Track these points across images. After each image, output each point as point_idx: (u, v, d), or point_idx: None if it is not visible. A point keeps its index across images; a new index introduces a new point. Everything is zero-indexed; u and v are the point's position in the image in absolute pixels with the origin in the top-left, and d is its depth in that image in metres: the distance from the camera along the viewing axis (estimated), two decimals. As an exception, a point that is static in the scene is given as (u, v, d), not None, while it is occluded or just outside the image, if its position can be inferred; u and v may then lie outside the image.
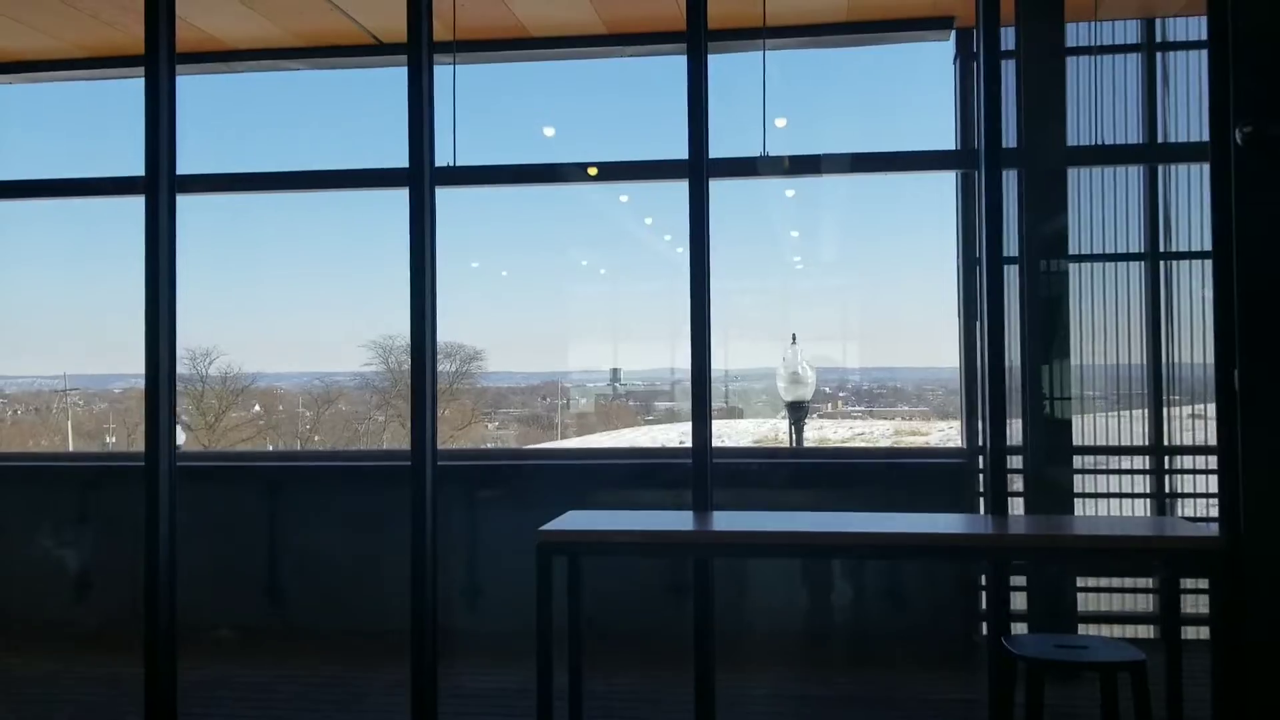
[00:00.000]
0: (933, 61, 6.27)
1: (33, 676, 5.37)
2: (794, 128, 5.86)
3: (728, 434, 17.01)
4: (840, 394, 18.73)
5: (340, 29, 5.88)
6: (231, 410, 17.00)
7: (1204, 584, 5.32)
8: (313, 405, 17.25)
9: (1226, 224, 3.32)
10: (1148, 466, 6.16)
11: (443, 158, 5.49)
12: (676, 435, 17.09)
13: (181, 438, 15.56)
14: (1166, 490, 6.15)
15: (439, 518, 3.89)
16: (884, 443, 16.91)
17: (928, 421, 17.73)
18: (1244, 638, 3.21)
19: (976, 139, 5.24)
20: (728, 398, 16.81)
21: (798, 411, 9.49)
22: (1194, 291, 6.11)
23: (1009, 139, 5.49)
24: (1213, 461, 6.13)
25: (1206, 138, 5.91)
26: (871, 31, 5.87)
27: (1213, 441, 6.10)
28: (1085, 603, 5.88)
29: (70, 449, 15.97)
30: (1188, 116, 6.08)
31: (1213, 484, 6.07)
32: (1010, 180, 5.49)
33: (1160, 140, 6.05)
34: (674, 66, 4.90)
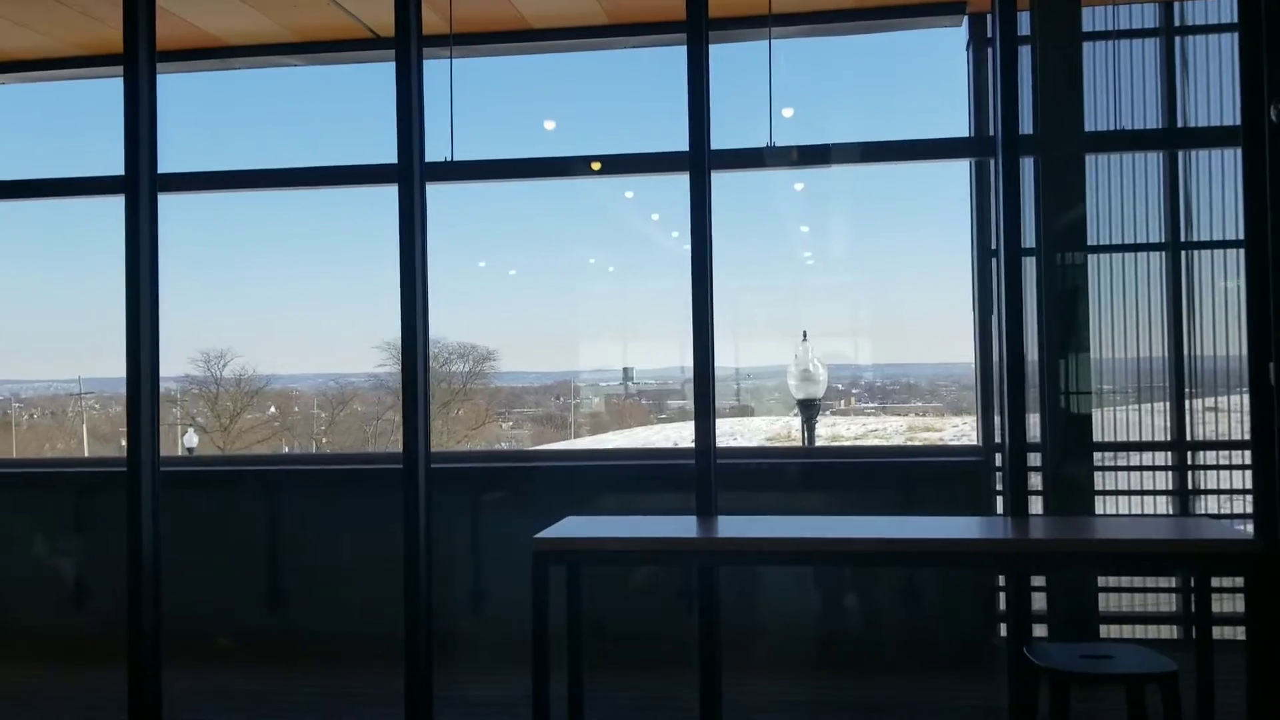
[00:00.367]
0: (945, 48, 6.04)
1: (28, 688, 5.20)
2: (802, 118, 5.64)
3: (741, 432, 16.84)
4: (853, 391, 18.52)
5: (337, 23, 5.68)
6: (246, 412, 16.88)
7: (1227, 581, 5.08)
8: (327, 406, 17.13)
9: (1261, 208, 3.09)
10: (1170, 462, 5.92)
11: (440, 153, 5.33)
12: (689, 433, 16.86)
13: (194, 440, 15.44)
14: (1190, 486, 5.91)
15: (442, 521, 3.70)
16: (897, 439, 16.70)
17: (941, 417, 17.50)
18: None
19: (992, 126, 5.02)
20: (739, 395, 16.62)
21: (809, 409, 9.27)
22: (1216, 282, 5.86)
23: (1024, 126, 5.26)
24: (1236, 457, 5.97)
25: (1228, 122, 5.77)
26: (880, 18, 5.63)
27: (1234, 435, 5.93)
28: (1106, 602, 5.65)
29: (85, 452, 15.87)
30: (1208, 101, 5.82)
31: (1236, 479, 5.87)
32: (1026, 169, 5.27)
33: (1180, 126, 5.80)
34: (678, 57, 4.70)
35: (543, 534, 3.32)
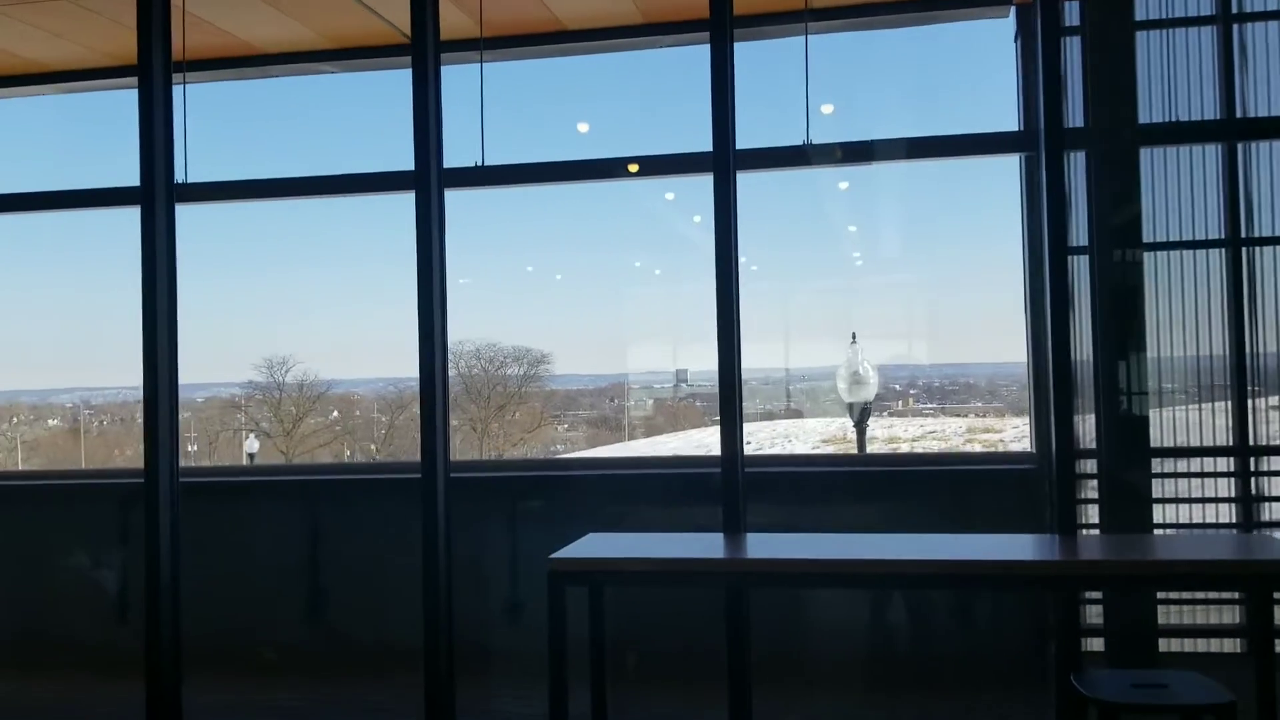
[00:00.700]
0: (992, 41, 5.74)
1: (60, 700, 5.13)
2: (842, 115, 5.40)
3: (796, 434, 16.51)
4: (911, 391, 18.10)
5: (372, 29, 5.56)
6: (309, 416, 16.94)
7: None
8: (387, 410, 17.15)
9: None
10: (1232, 468, 5.56)
11: (471, 157, 5.17)
12: (743, 435, 16.57)
13: (254, 445, 15.51)
14: (1253, 492, 5.55)
15: (477, 532, 3.53)
16: (956, 440, 16.24)
17: (1002, 418, 17.02)
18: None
19: (1037, 120, 4.75)
20: (789, 398, 16.30)
21: (860, 414, 9.00)
22: (1280, 278, 5.50)
23: (1074, 120, 4.98)
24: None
25: (1293, 112, 5.43)
26: (923, 10, 5.37)
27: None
28: (1166, 614, 5.32)
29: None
30: (1269, 91, 5.47)
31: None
32: (1078, 165, 4.99)
33: (1240, 117, 5.45)
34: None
35: (560, 553, 3.13)
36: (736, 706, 3.53)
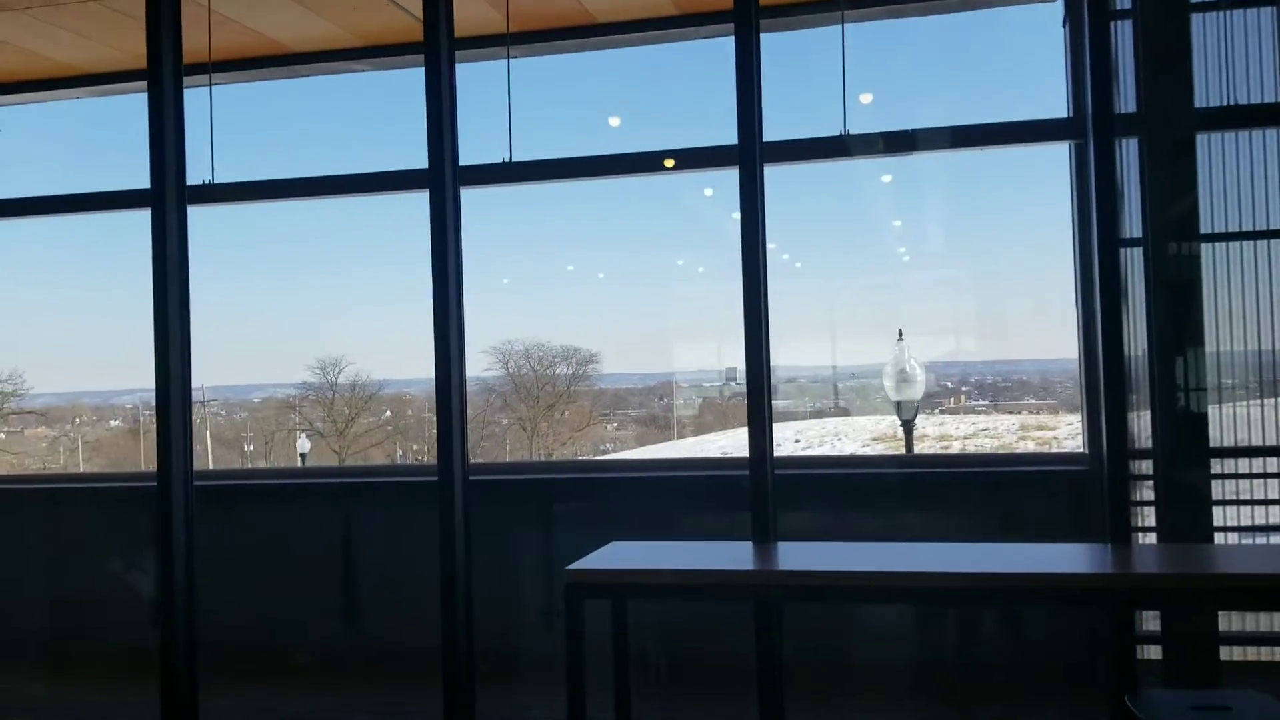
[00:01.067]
0: (1039, 27, 5.46)
1: (84, 702, 5.05)
2: (882, 105, 5.16)
3: (845, 432, 16.23)
4: (963, 389, 17.74)
5: (402, 25, 5.41)
6: (361, 416, 16.97)
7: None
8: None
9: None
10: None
11: (498, 154, 5.00)
12: (792, 433, 16.39)
13: (306, 445, 15.54)
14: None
15: (508, 535, 3.35)
16: (1009, 438, 15.85)
17: (1056, 415, 16.61)
18: None
19: (1086, 107, 4.47)
20: (836, 396, 16.03)
21: (907, 412, 8.71)
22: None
23: (1126, 108, 4.70)
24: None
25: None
26: (966, -5, 5.12)
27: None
28: (1228, 622, 5.01)
29: (209, 456, 16.14)
30: (1335, 73, 5.13)
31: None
32: (1130, 154, 4.71)
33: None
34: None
35: (578, 564, 2.94)
36: (768, 722, 3.33)
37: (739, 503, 4.91)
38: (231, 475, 8.38)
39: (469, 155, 4.88)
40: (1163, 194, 4.55)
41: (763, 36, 5.19)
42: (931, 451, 14.78)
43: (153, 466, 3.70)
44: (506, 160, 4.78)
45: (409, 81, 5.49)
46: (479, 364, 16.88)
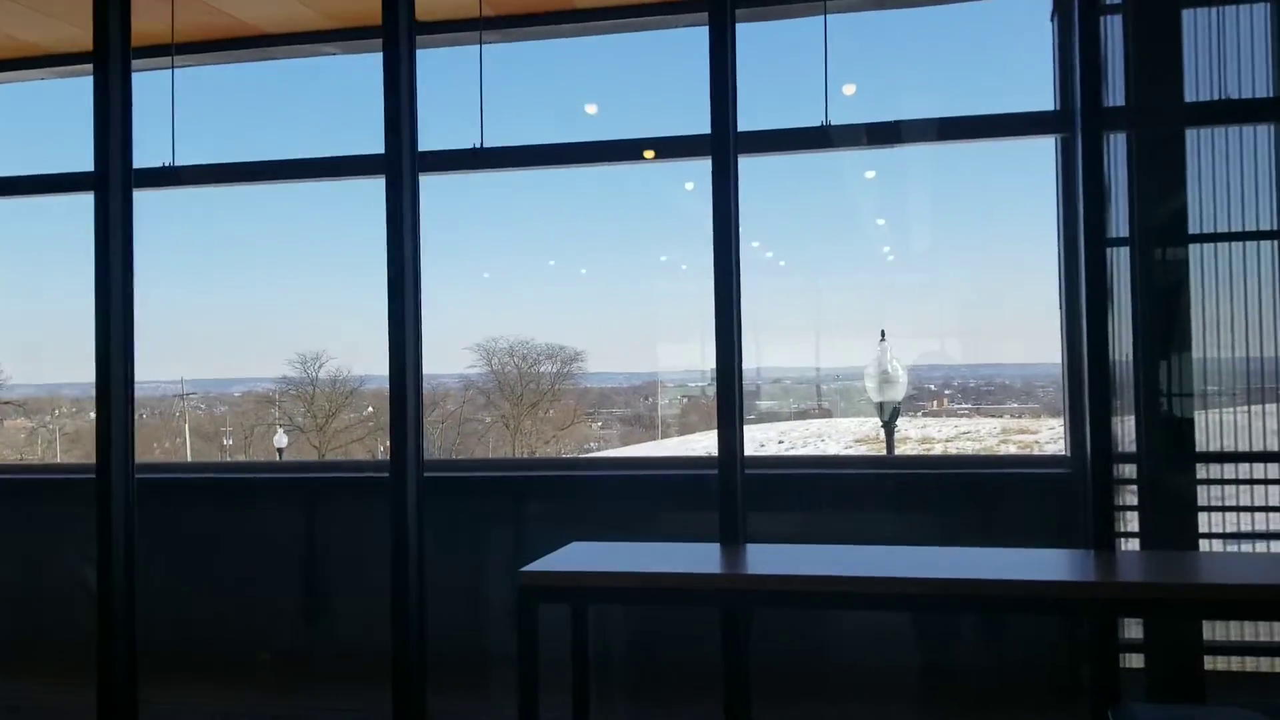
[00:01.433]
0: (1026, 20, 5.30)
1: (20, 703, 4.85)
2: (867, 97, 5.00)
3: (829, 433, 16.08)
4: (946, 391, 17.65)
5: (373, 7, 5.22)
6: (343, 412, 16.75)
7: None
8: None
9: None
10: (1282, 475, 5.08)
11: (469, 141, 4.81)
12: (776, 434, 16.23)
13: (284, 440, 15.31)
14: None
15: (467, 534, 3.17)
16: (991, 441, 15.75)
17: (1038, 419, 16.53)
18: None
19: (1074, 100, 4.32)
20: (820, 397, 15.89)
21: (889, 413, 8.55)
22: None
23: (1115, 100, 4.55)
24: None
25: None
26: (952, -14, 4.95)
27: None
28: (1212, 631, 4.86)
29: (188, 449, 15.93)
30: (1327, 71, 4.98)
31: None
32: (1118, 152, 4.56)
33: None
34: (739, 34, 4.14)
35: (533, 566, 2.76)
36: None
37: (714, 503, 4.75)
38: (188, 469, 8.17)
39: (439, 141, 4.70)
40: (1151, 192, 4.40)
41: (745, 27, 5.03)
42: (913, 453, 14.65)
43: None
44: (477, 147, 4.60)
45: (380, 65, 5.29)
46: (462, 360, 16.67)
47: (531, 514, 5.16)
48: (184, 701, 4.55)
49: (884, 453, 9.27)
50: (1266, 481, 5.07)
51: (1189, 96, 4.65)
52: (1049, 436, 14.69)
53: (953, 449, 15.34)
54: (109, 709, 3.34)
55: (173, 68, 4.82)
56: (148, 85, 4.59)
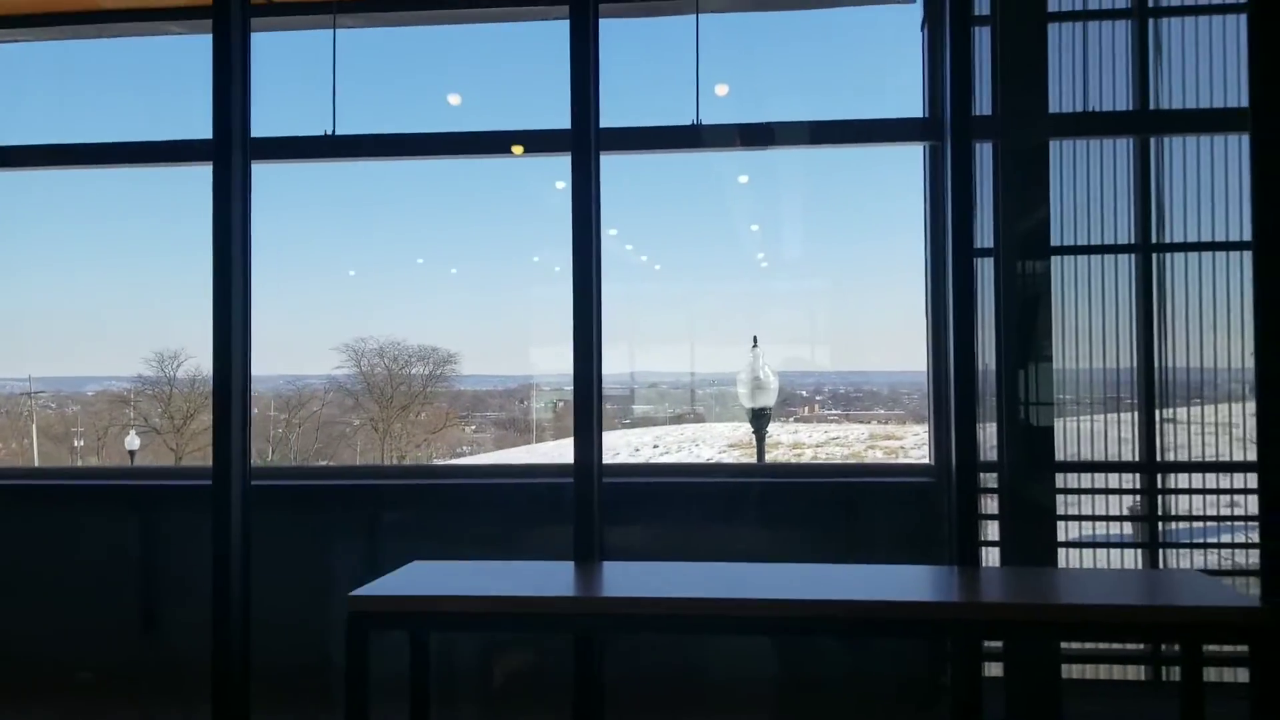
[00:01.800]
0: (898, 29, 5.26)
1: None
2: (740, 98, 4.86)
3: (703, 438, 16.07)
4: (817, 398, 17.86)
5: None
6: (202, 413, 15.99)
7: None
8: (285, 409, 16.25)
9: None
10: (1138, 485, 5.13)
11: (322, 126, 4.49)
12: (651, 438, 16.13)
13: (135, 442, 14.51)
14: (1160, 510, 5.12)
15: (319, 545, 2.85)
16: (858, 446, 15.96)
17: (903, 425, 16.86)
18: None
19: (944, 109, 4.24)
20: (694, 402, 15.87)
21: (760, 419, 8.48)
22: (1190, 287, 5.08)
23: (983, 110, 4.51)
24: (1210, 480, 5.21)
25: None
26: (825, -10, 4.85)
27: (1207, 450, 5.18)
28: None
29: (35, 453, 15.03)
30: (1183, 90, 5.05)
31: (1210, 505, 5.11)
32: (985, 164, 4.52)
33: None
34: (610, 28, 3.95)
35: (364, 590, 2.49)
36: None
37: (623, 510, 4.52)
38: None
39: (288, 128, 4.37)
40: (1015, 203, 4.37)
41: (618, 23, 4.84)
42: (784, 458, 14.71)
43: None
44: (329, 134, 4.28)
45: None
46: (329, 361, 16.10)
47: (387, 526, 4.84)
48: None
49: (755, 457, 9.19)
50: (1122, 491, 5.11)
51: (1054, 109, 4.64)
52: (914, 442, 14.96)
53: (822, 454, 15.49)
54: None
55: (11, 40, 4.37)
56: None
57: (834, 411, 18.04)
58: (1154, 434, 5.03)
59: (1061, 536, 4.74)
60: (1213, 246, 5.00)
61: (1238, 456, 5.02)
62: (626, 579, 2.72)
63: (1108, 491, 5.07)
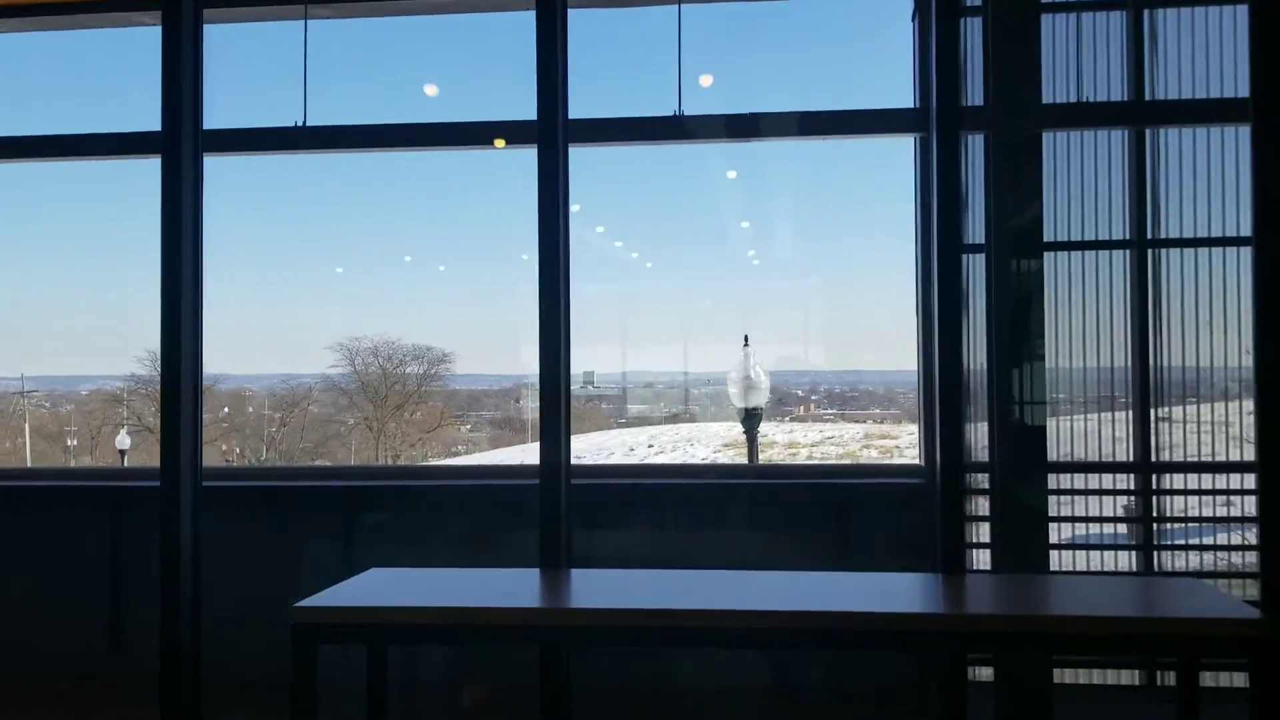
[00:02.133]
0: (890, 18, 5.11)
1: None
2: (726, 90, 4.71)
3: (698, 437, 15.94)
4: (813, 397, 17.74)
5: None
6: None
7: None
8: (279, 407, 16.11)
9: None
10: (1133, 485, 4.98)
11: (292, 117, 4.33)
12: (646, 438, 15.99)
13: (126, 442, 14.35)
14: (1155, 512, 4.97)
15: (282, 546, 2.71)
16: (854, 445, 15.83)
17: (899, 425, 16.74)
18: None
19: (930, 100, 4.09)
20: (687, 402, 15.75)
21: (752, 419, 8.32)
22: (1186, 283, 4.94)
23: (974, 101, 4.37)
24: (1206, 480, 5.07)
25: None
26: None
27: (1203, 449, 5.05)
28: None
29: (28, 453, 14.91)
30: (1179, 81, 4.90)
31: (1206, 506, 4.96)
32: (976, 158, 4.38)
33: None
34: (589, 19, 3.81)
35: (314, 600, 2.34)
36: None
37: (574, 516, 4.36)
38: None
39: (259, 120, 4.23)
40: (1007, 198, 4.22)
41: (598, 13, 4.69)
42: (779, 458, 14.59)
43: None
44: (299, 125, 4.12)
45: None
46: (324, 360, 15.95)
47: (365, 528, 4.69)
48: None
49: (748, 455, 9.05)
50: (1116, 492, 4.97)
51: (1048, 101, 4.51)
52: (909, 441, 14.82)
53: (817, 453, 15.36)
54: None
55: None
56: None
57: (830, 411, 17.91)
58: (1149, 433, 4.89)
59: (1055, 538, 4.61)
60: (1209, 242, 4.86)
61: (1234, 456, 4.88)
62: (593, 588, 2.57)
63: (1102, 492, 4.92)
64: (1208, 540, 4.92)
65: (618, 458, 15.02)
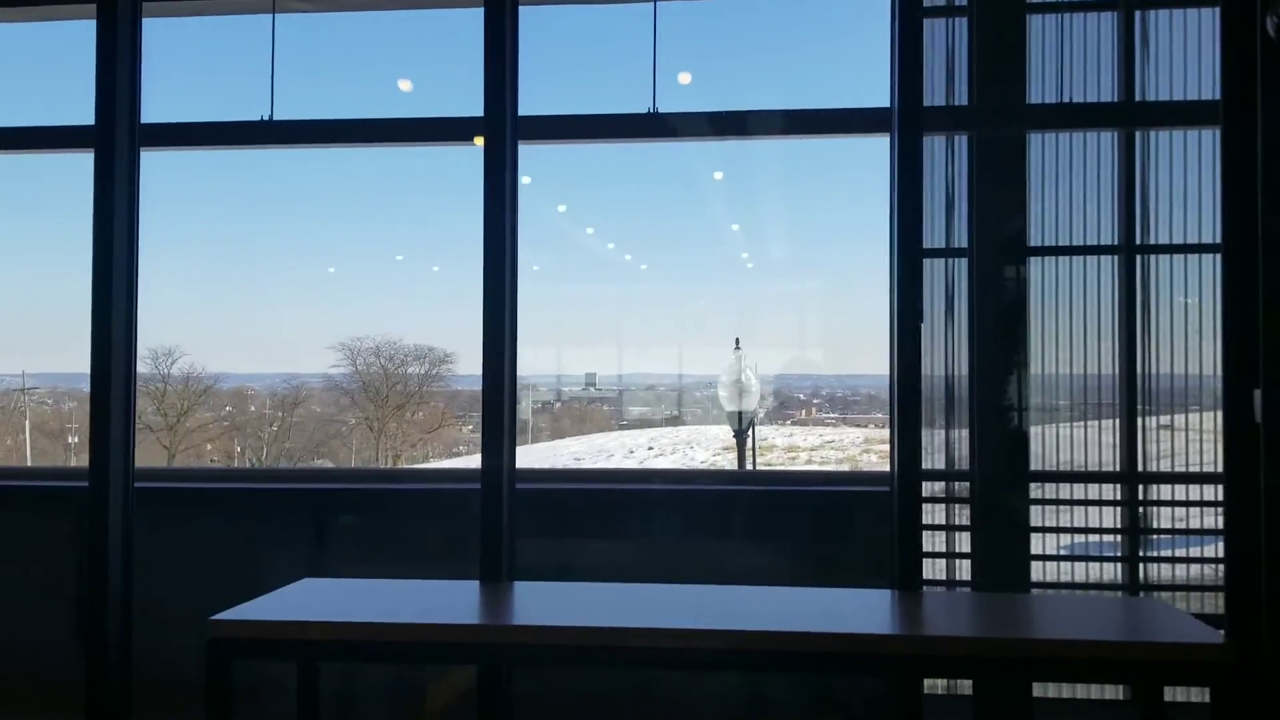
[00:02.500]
0: (873, 18, 4.98)
1: None
2: (704, 88, 4.59)
3: (699, 439, 15.84)
4: (814, 401, 17.60)
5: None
6: (198, 410, 15.80)
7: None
8: (280, 406, 16.06)
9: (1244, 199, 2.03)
10: (1119, 496, 4.84)
11: (260, 111, 4.21)
12: (646, 439, 15.88)
13: (123, 440, 14.32)
14: (1141, 524, 4.83)
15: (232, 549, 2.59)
16: (854, 450, 15.70)
17: (900, 429, 16.60)
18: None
19: (893, 99, 3.95)
20: (680, 404, 15.67)
21: (743, 423, 8.21)
22: (1175, 290, 4.80)
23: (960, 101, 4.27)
24: (1195, 491, 4.93)
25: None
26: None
27: (1191, 457, 4.92)
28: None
29: (28, 448, 14.88)
30: (1170, 83, 4.77)
31: (1194, 517, 4.82)
32: (960, 159, 4.27)
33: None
34: (578, 13, 3.64)
35: (231, 613, 2.22)
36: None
37: (563, 521, 4.23)
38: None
39: (225, 112, 4.12)
40: (991, 202, 4.13)
41: (574, 9, 4.57)
42: (778, 462, 14.47)
43: None
44: (266, 119, 4.00)
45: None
46: (325, 360, 15.91)
47: (334, 533, 4.57)
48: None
49: (738, 460, 8.92)
50: (1102, 502, 4.83)
51: (1035, 101, 4.40)
52: (909, 446, 14.69)
53: (817, 457, 15.25)
54: None
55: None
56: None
57: (831, 415, 17.75)
58: (1135, 442, 4.75)
59: (1036, 549, 4.48)
60: (1200, 248, 4.72)
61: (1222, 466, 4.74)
62: (537, 602, 2.44)
63: (1087, 503, 4.79)
64: (1194, 552, 4.78)
65: (617, 459, 14.91)
